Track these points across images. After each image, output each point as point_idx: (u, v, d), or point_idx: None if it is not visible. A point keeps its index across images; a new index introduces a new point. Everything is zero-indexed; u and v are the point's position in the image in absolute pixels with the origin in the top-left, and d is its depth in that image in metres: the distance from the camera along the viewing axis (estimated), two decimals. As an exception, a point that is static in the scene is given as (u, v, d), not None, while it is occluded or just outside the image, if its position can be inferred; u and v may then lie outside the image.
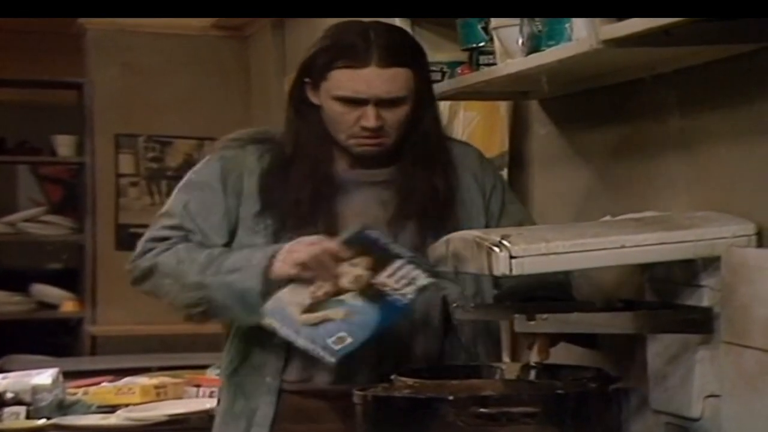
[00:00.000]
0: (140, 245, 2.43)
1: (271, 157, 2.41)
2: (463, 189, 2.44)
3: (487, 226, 2.42)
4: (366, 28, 2.35)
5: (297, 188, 2.37)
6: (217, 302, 2.32)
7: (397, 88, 2.33)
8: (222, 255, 2.34)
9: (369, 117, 2.31)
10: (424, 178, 2.39)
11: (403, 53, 2.35)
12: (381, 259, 2.26)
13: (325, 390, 2.37)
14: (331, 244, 2.25)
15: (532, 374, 2.19)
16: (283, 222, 2.37)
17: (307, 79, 2.38)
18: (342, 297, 2.24)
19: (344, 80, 2.31)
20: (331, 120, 2.36)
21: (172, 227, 2.41)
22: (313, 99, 2.38)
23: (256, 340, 2.38)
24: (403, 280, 2.24)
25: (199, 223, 2.40)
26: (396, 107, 2.34)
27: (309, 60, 2.37)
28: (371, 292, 2.24)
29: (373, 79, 2.30)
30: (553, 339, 2.21)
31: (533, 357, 2.23)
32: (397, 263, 2.25)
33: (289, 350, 2.35)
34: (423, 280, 2.25)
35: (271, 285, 2.26)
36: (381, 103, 2.32)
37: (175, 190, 2.49)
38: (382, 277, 2.25)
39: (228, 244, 2.40)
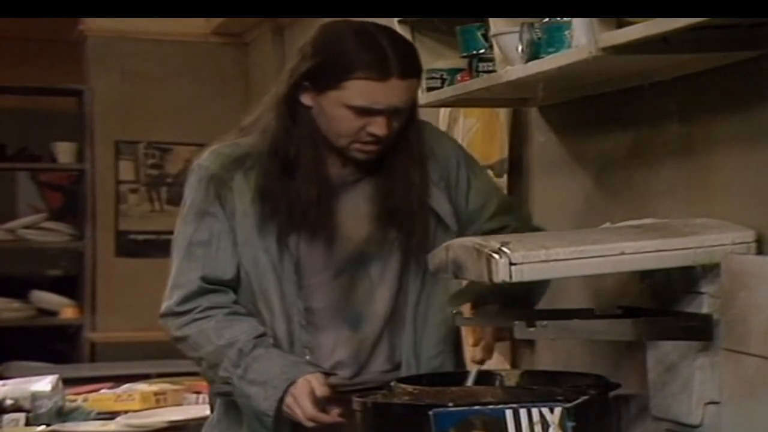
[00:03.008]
0: (168, 307, 2.42)
1: (259, 170, 2.39)
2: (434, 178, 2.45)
3: (455, 209, 2.45)
4: (379, 36, 2.31)
5: (303, 192, 2.35)
6: (241, 402, 2.36)
7: (410, 97, 2.34)
8: (252, 353, 2.33)
9: (382, 126, 2.30)
10: (402, 172, 2.39)
11: (417, 64, 2.36)
12: None
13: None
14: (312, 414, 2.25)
15: (532, 381, 2.19)
16: (290, 228, 2.37)
17: (306, 83, 2.34)
18: None
19: (363, 91, 2.28)
20: (335, 125, 2.33)
21: (186, 299, 2.40)
22: (306, 101, 2.35)
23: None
24: None
25: (210, 259, 2.39)
26: (402, 115, 2.34)
27: (316, 66, 2.31)
28: None
29: (393, 91, 2.29)
30: (498, 337, 2.29)
31: (477, 354, 2.27)
32: None
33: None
34: None
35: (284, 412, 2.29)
36: (394, 112, 2.31)
37: (177, 238, 2.44)
38: None
39: (237, 275, 2.40)
